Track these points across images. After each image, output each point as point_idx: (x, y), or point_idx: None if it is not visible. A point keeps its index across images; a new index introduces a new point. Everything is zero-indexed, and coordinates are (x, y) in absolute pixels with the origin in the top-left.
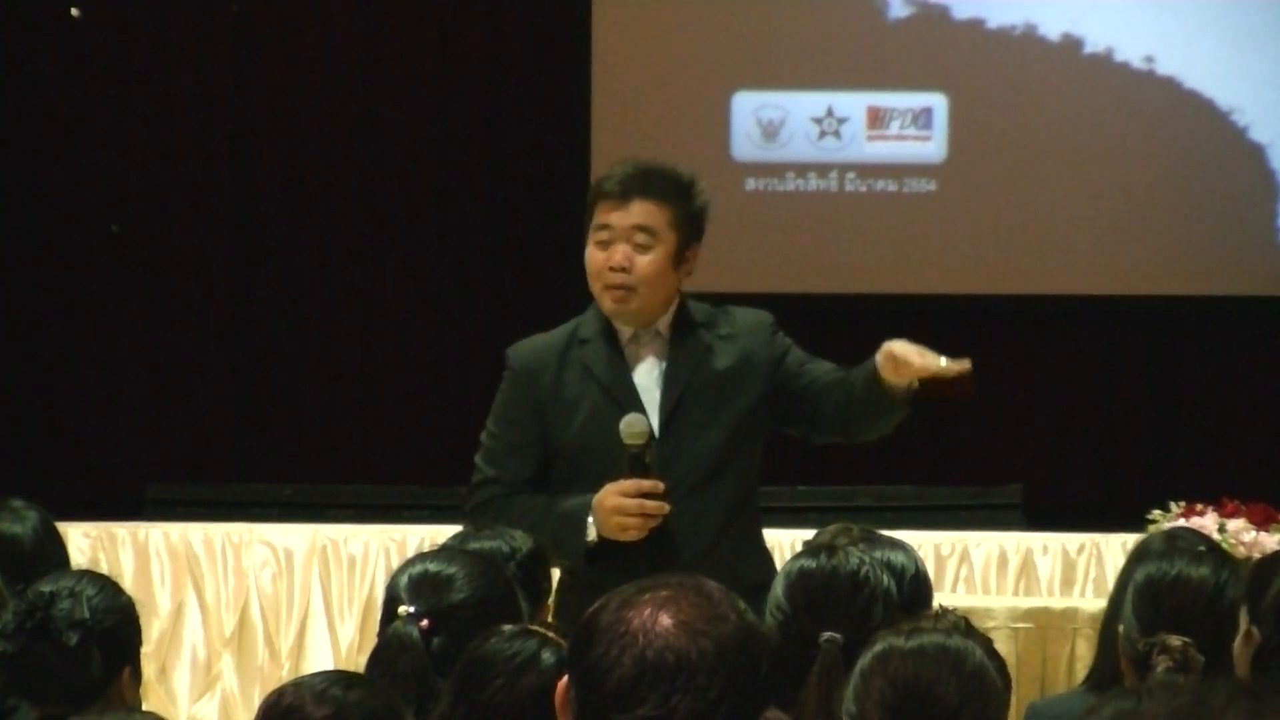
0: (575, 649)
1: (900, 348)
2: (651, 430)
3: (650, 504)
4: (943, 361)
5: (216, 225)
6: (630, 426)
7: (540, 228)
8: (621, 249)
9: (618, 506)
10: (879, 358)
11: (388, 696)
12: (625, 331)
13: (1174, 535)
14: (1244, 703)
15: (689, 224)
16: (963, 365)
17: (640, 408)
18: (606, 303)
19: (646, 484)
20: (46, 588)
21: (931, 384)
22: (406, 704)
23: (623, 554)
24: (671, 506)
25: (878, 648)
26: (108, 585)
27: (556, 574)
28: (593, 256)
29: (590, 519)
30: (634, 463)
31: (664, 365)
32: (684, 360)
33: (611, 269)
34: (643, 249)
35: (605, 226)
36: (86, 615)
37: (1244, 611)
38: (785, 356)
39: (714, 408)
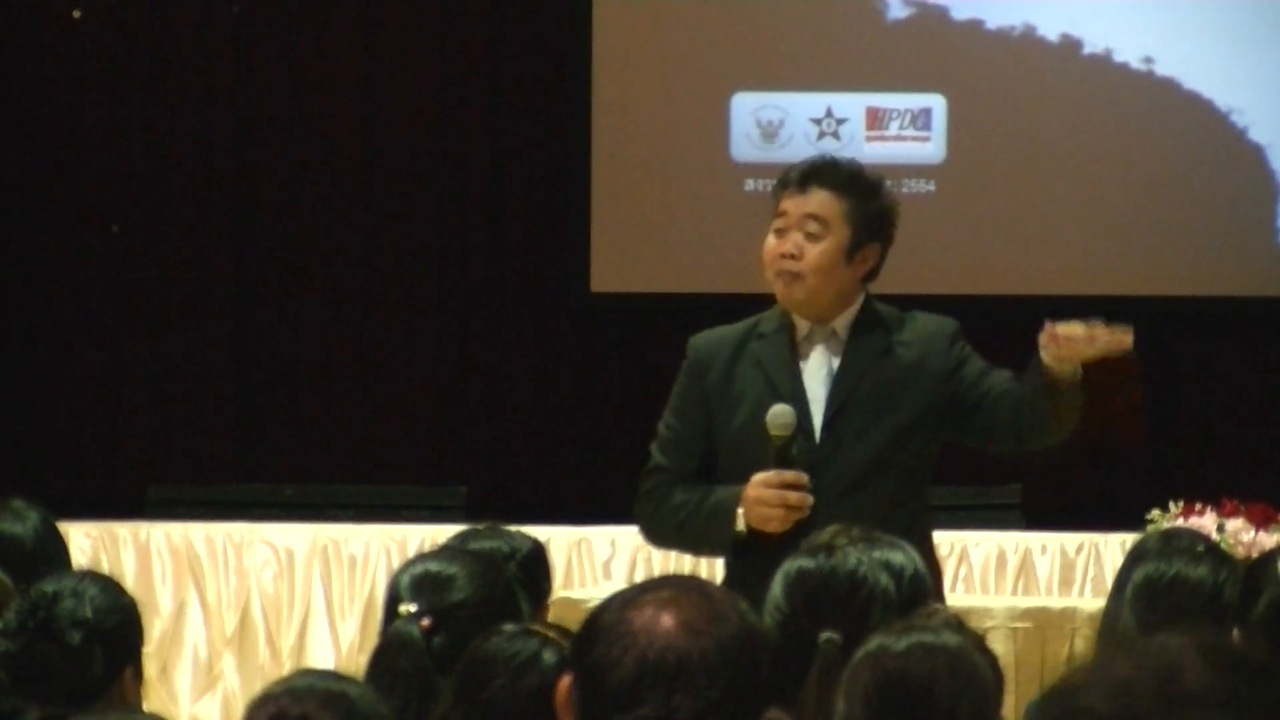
0: (577, 648)
1: (1063, 326)
2: (799, 423)
3: (792, 495)
4: (1101, 331)
5: (216, 225)
6: (776, 418)
7: (540, 228)
8: (794, 237)
9: (759, 497)
10: (1041, 338)
11: (371, 692)
12: (802, 328)
13: (1171, 535)
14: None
15: (865, 220)
16: (1123, 337)
17: (804, 405)
18: (778, 288)
19: (790, 475)
20: (49, 587)
21: (1094, 369)
22: (407, 703)
23: (769, 548)
24: (823, 507)
25: (869, 647)
26: (110, 585)
27: (559, 576)
28: (767, 244)
29: (741, 510)
30: (779, 454)
31: (835, 365)
32: (857, 363)
33: (783, 255)
34: (813, 238)
35: (783, 214)
36: (89, 615)
37: None
38: (962, 367)
39: (878, 413)
